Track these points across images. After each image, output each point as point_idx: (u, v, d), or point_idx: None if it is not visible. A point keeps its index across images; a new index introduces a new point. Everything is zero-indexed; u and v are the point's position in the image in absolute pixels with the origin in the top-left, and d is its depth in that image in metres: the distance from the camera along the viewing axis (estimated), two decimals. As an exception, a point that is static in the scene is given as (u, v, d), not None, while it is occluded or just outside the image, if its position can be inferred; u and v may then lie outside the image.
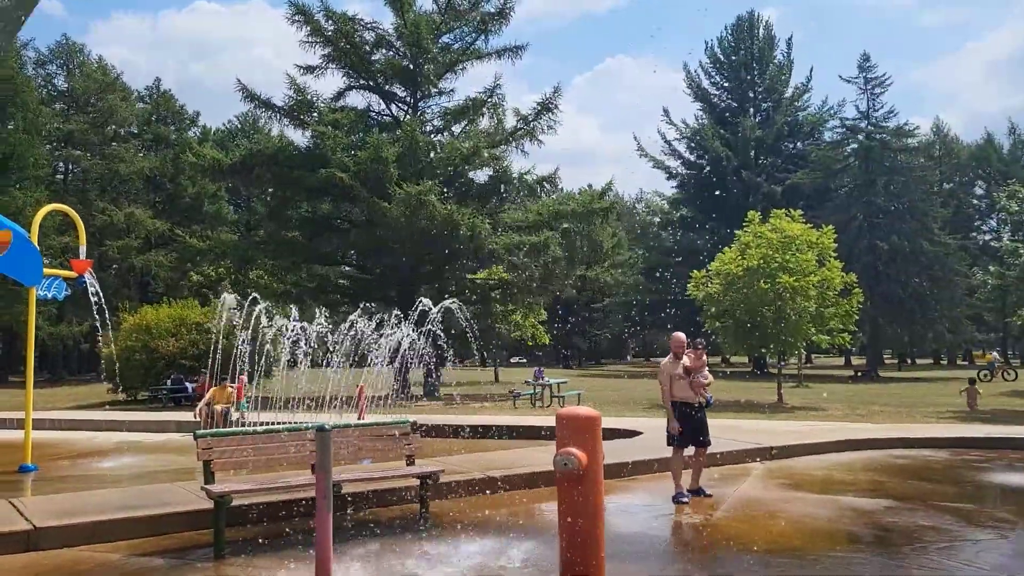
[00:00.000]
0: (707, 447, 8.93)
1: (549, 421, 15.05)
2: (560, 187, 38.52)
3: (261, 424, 10.64)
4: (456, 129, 30.48)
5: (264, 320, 14.28)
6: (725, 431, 12.63)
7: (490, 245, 26.17)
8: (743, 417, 17.58)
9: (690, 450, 8.85)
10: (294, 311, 15.07)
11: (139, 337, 25.12)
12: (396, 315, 14.27)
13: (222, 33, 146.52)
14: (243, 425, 13.74)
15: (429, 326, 14.00)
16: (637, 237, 67.02)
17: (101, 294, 13.60)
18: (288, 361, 14.08)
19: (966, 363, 63.71)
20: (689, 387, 8.68)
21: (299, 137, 31.43)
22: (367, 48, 29.35)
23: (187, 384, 23.27)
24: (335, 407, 14.21)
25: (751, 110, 56.75)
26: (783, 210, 24.39)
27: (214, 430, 9.63)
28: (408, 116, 29.22)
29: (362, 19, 29.38)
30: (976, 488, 9.74)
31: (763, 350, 25.15)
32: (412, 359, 14.68)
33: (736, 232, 24.54)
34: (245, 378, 15.69)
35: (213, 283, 46.13)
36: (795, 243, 22.54)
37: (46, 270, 12.39)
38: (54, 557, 6.50)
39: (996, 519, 7.91)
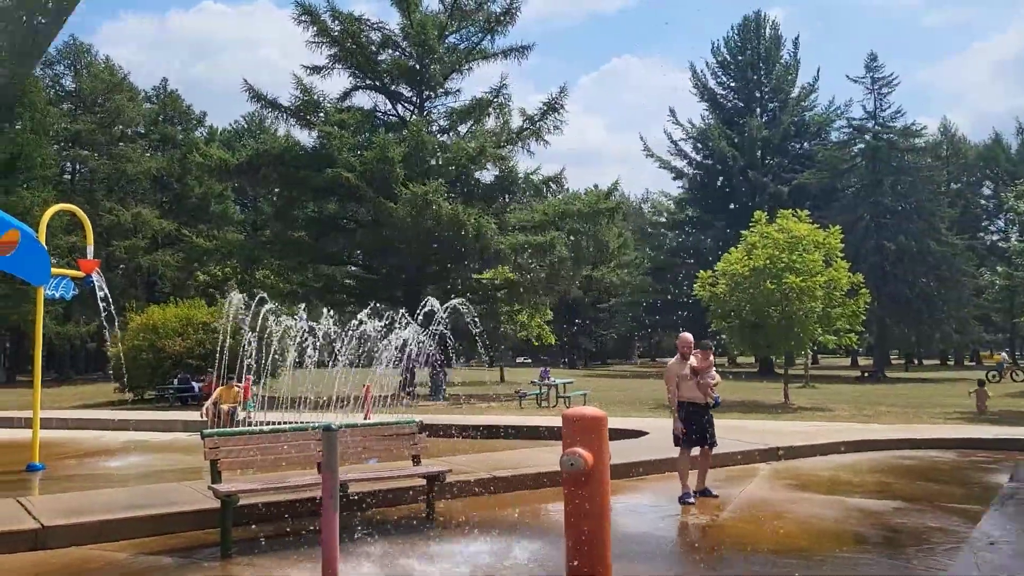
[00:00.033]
0: (713, 448, 8.91)
1: (555, 421, 15.04)
2: (566, 187, 38.46)
3: (267, 424, 10.66)
4: (462, 129, 30.53)
5: (271, 320, 14.30)
6: (731, 431, 12.61)
7: (496, 245, 26.18)
8: (749, 418, 17.54)
9: (696, 450, 8.84)
10: (302, 312, 15.09)
11: (146, 337, 25.20)
12: (403, 315, 14.28)
13: (228, 33, 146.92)
14: (249, 425, 13.77)
15: (435, 326, 14.01)
16: (643, 237, 66.91)
17: (108, 294, 13.64)
18: (294, 361, 14.11)
19: (974, 364, 63.51)
20: (696, 387, 8.66)
21: (305, 137, 31.55)
22: (373, 48, 29.41)
23: (194, 383, 23.34)
24: (341, 407, 14.23)
25: (758, 110, 56.62)
26: (790, 210, 24.32)
27: (221, 429, 9.65)
28: (414, 116, 29.27)
29: (368, 19, 29.51)
30: (983, 489, 9.69)
31: (769, 350, 25.08)
32: (418, 359, 14.70)
33: (742, 232, 24.48)
34: (252, 378, 15.72)
35: (219, 283, 46.28)
36: (802, 243, 22.48)
37: (54, 270, 12.44)
38: (62, 556, 6.52)
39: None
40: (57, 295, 12.83)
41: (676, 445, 8.77)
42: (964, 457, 12.00)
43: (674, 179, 59.05)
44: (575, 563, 5.11)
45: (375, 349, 13.73)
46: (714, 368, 8.91)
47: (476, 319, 16.47)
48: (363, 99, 30.96)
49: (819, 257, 22.40)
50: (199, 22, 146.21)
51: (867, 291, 23.53)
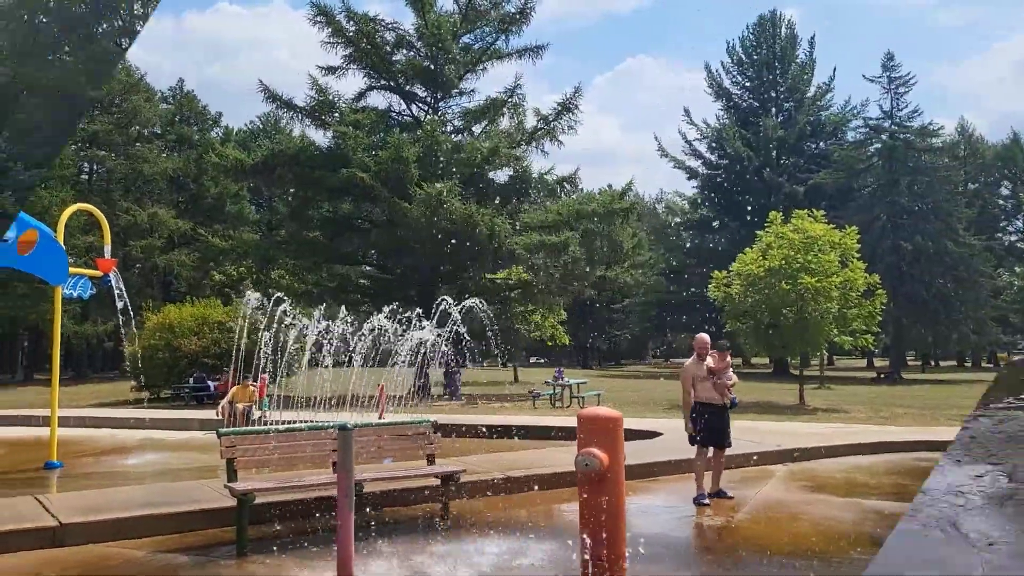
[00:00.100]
0: (726, 448, 8.88)
1: (569, 422, 15.02)
2: (580, 187, 38.41)
3: (283, 423, 10.70)
4: (476, 129, 30.56)
5: (287, 319, 14.36)
6: (746, 433, 12.56)
7: (510, 245, 26.19)
8: (764, 419, 17.46)
9: (710, 451, 8.82)
10: (318, 312, 15.14)
11: (162, 336, 25.35)
12: (419, 314, 14.31)
13: (243, 34, 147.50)
14: (265, 424, 13.84)
15: (451, 326, 14.02)
16: (657, 238, 66.72)
17: (125, 293, 13.73)
18: (309, 360, 14.16)
19: (991, 365, 62.94)
20: (713, 388, 8.64)
21: (320, 137, 31.69)
22: (388, 48, 29.48)
23: (209, 382, 23.47)
24: (356, 406, 14.27)
25: (773, 110, 56.36)
26: (805, 210, 24.19)
27: (237, 428, 9.69)
28: (429, 116, 29.32)
29: (383, 19, 29.60)
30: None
31: (784, 351, 24.96)
32: (433, 359, 14.72)
33: (757, 232, 24.38)
34: (267, 377, 15.79)
35: (235, 282, 46.47)
36: (817, 244, 22.35)
37: (71, 269, 12.55)
38: (80, 553, 6.58)
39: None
40: (75, 294, 12.93)
41: (692, 444, 8.75)
42: (982, 459, 11.88)
43: (689, 179, 58.91)
44: (590, 564, 5.11)
45: (390, 349, 13.77)
46: (731, 369, 8.89)
47: (491, 319, 16.49)
48: (378, 99, 31.12)
49: (835, 258, 22.27)
50: (214, 23, 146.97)
51: (883, 292, 23.38)
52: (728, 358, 8.83)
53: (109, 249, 13.19)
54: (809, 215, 23.59)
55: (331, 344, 13.61)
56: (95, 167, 54.62)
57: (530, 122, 29.98)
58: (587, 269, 30.38)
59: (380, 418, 13.78)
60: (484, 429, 14.40)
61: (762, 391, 28.01)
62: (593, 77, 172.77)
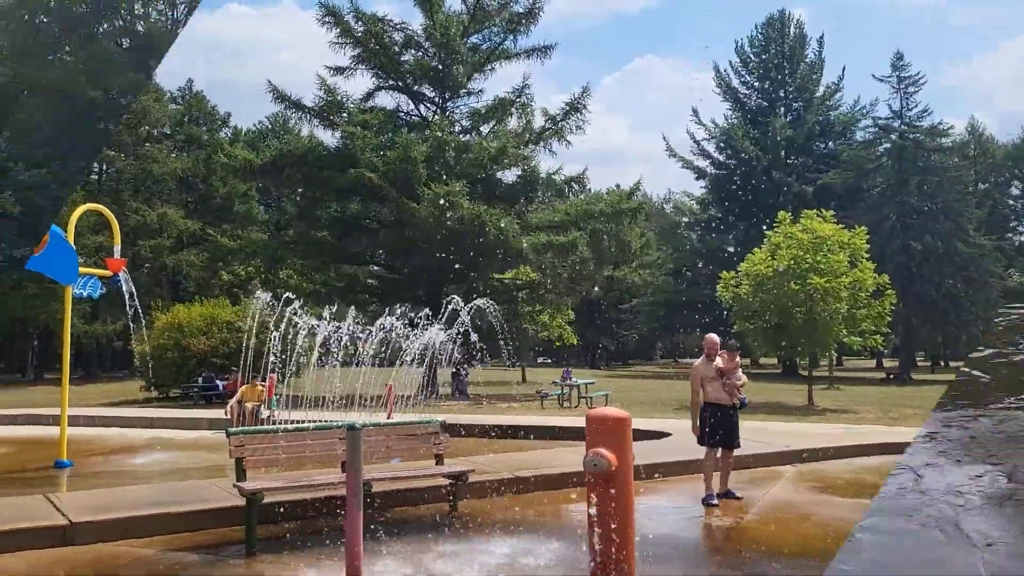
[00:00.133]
0: (734, 449, 8.86)
1: (577, 422, 15.01)
2: (588, 187, 38.44)
3: (291, 422, 10.73)
4: (484, 129, 30.54)
5: (296, 319, 14.38)
6: (755, 433, 12.53)
7: (518, 245, 26.17)
8: (773, 419, 17.42)
9: (718, 452, 8.79)
10: (327, 312, 15.17)
11: (171, 335, 25.44)
12: (427, 314, 14.32)
13: (251, 35, 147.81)
14: (273, 423, 13.86)
15: (459, 326, 14.02)
16: (665, 238, 66.65)
17: (135, 293, 13.78)
18: (318, 360, 14.18)
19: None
20: (722, 389, 8.62)
21: (329, 138, 31.71)
22: (396, 49, 29.50)
23: (218, 382, 23.53)
24: (364, 406, 14.28)
25: (782, 109, 56.24)
26: (814, 210, 24.13)
27: (246, 428, 9.71)
28: (437, 116, 29.33)
29: (391, 20, 29.57)
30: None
31: (793, 352, 24.90)
32: (441, 359, 14.72)
33: (766, 233, 24.33)
34: (275, 376, 15.82)
35: (243, 282, 46.66)
36: (826, 244, 22.29)
37: (81, 269, 12.60)
38: (90, 552, 6.60)
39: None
40: (85, 294, 12.98)
41: (701, 444, 8.74)
42: (992, 461, 11.83)
43: (697, 179, 58.87)
44: (599, 564, 5.10)
45: (399, 348, 13.77)
46: (740, 369, 8.87)
47: (499, 319, 16.48)
48: (386, 99, 31.13)
49: (844, 258, 22.21)
50: (223, 23, 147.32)
51: (893, 292, 23.30)
52: (738, 359, 8.81)
53: (119, 249, 13.24)
54: (818, 215, 23.53)
55: (340, 344, 13.63)
56: (105, 167, 54.80)
57: (538, 122, 29.97)
58: (595, 269, 30.38)
59: (388, 418, 13.80)
60: (492, 429, 14.40)
61: (771, 392, 27.94)
62: (601, 77, 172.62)
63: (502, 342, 18.58)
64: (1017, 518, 7.93)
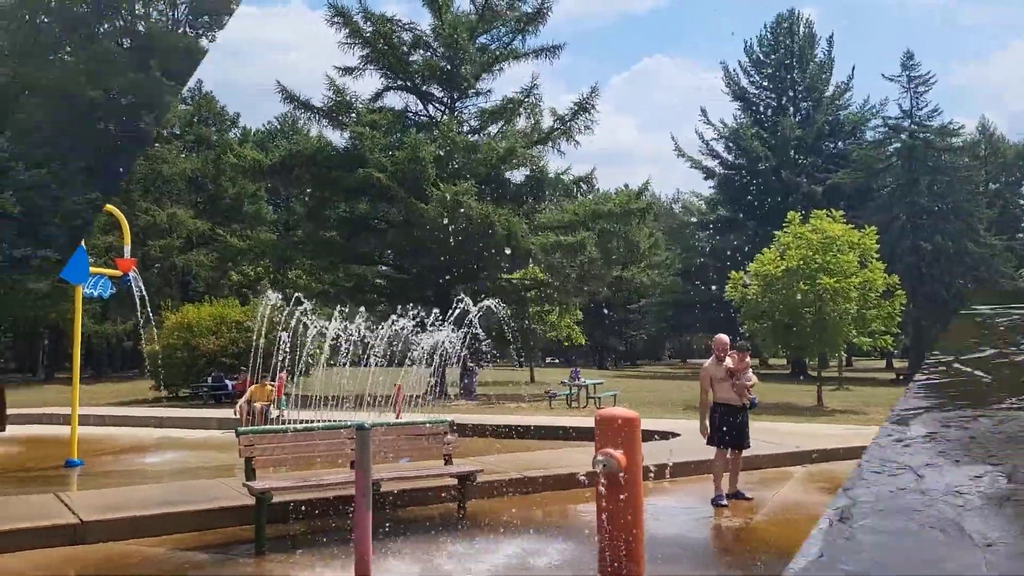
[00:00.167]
0: (743, 450, 8.84)
1: (585, 422, 15.00)
2: (597, 187, 38.32)
3: (300, 422, 10.75)
4: (493, 129, 30.54)
5: (306, 320, 14.40)
6: (764, 434, 12.48)
7: (526, 245, 26.17)
8: (782, 420, 17.37)
9: (728, 452, 8.77)
10: (337, 312, 15.18)
11: (181, 335, 25.53)
12: (436, 314, 14.32)
13: (260, 35, 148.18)
14: (282, 423, 13.89)
15: (468, 326, 14.02)
16: (674, 238, 66.50)
17: (144, 292, 13.84)
18: (327, 360, 14.20)
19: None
20: (732, 389, 8.60)
21: (337, 138, 31.77)
22: (405, 49, 29.52)
23: (227, 381, 23.59)
24: (373, 406, 14.29)
25: (791, 109, 56.02)
26: (824, 210, 24.05)
27: (255, 427, 9.74)
28: (445, 116, 29.35)
29: (400, 20, 29.59)
30: None
31: (802, 352, 24.82)
32: (450, 359, 14.72)
33: (775, 233, 24.25)
34: (284, 376, 15.86)
35: (253, 282, 46.73)
36: (836, 244, 22.22)
37: (92, 269, 12.66)
38: (100, 550, 6.62)
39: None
40: (95, 294, 13.03)
41: (709, 444, 8.72)
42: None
43: (706, 179, 58.71)
44: (608, 565, 5.09)
45: (408, 349, 13.77)
46: (750, 370, 8.84)
47: (509, 319, 16.48)
48: (394, 100, 31.18)
49: (854, 258, 22.13)
50: (232, 24, 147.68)
51: (903, 292, 23.21)
52: (747, 359, 8.79)
53: (128, 249, 13.30)
54: (828, 215, 23.45)
55: (349, 344, 13.64)
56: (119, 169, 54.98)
57: (547, 122, 29.97)
58: (603, 269, 30.32)
59: (397, 418, 13.81)
60: (501, 429, 14.40)
61: (780, 392, 27.85)
62: (610, 77, 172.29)
63: (511, 342, 18.56)
64: (1017, 518, 7.87)
